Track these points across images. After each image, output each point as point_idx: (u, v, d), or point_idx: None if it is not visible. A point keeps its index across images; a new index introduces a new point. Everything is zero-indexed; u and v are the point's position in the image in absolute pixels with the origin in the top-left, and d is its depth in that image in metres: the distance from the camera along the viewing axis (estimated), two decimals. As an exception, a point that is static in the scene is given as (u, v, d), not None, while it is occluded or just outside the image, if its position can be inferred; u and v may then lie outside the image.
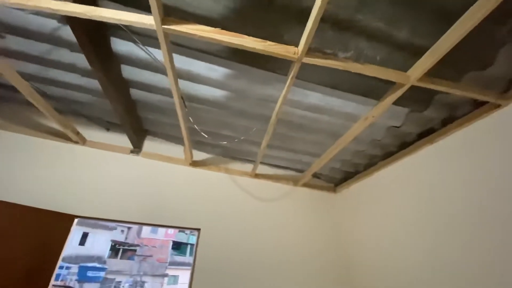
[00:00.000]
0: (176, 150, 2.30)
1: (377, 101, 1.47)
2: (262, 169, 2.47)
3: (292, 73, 1.18)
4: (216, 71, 1.48)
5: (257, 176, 2.40)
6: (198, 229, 2.01)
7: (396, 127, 1.73)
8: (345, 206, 2.44)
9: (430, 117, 1.58)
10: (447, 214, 1.46)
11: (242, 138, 1.96)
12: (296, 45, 1.10)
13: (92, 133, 2.16)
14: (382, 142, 1.90)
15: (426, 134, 1.71)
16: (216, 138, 2.10)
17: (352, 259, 2.23)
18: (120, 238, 16.63)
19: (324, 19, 1.11)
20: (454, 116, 1.52)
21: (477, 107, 1.40)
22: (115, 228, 16.82)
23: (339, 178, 2.53)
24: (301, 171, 2.55)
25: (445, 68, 1.23)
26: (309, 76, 1.43)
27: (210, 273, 1.90)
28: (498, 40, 1.12)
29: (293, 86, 1.45)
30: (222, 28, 1.08)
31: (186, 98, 1.68)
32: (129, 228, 17.29)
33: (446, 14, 1.04)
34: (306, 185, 2.51)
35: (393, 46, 1.19)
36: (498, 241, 1.19)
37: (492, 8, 0.88)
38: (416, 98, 1.47)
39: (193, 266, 1.91)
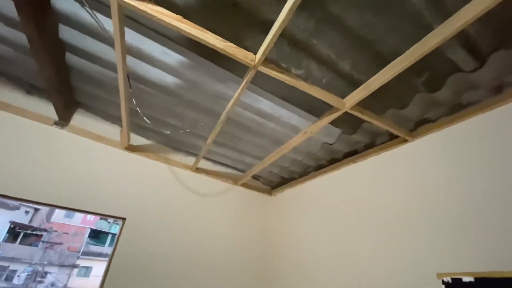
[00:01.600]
0: (110, 130, 2.10)
1: (317, 119, 1.64)
2: (204, 164, 2.46)
3: (247, 78, 1.22)
4: (171, 56, 1.42)
5: (197, 170, 2.37)
6: (123, 218, 1.88)
7: (329, 144, 1.95)
8: (278, 209, 2.61)
9: (357, 140, 1.83)
10: (360, 225, 1.72)
11: (188, 130, 1.92)
12: (255, 52, 1.15)
13: (8, 95, 1.81)
14: (316, 155, 2.11)
15: (352, 154, 1.97)
16: (160, 125, 2.00)
17: (274, 260, 2.40)
18: (23, 220, 14.14)
19: (283, 35, 1.19)
20: (374, 142, 1.81)
21: (391, 139, 1.69)
22: (17, 208, 14.21)
23: (276, 182, 2.70)
24: (242, 171, 2.63)
25: (373, 102, 1.46)
26: (263, 83, 1.50)
27: (129, 267, 1.80)
28: (414, 88, 1.39)
29: (246, 90, 1.50)
30: (184, 17, 1.05)
31: (132, 77, 1.56)
32: (36, 209, 14.80)
33: (381, 58, 1.23)
34: (245, 185, 2.60)
35: (337, 74, 1.35)
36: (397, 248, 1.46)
37: (414, 61, 1.09)
38: (348, 122, 1.69)
39: (111, 257, 1.77)
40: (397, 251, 1.43)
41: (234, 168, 2.61)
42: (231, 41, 1.13)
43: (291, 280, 2.12)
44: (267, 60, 1.18)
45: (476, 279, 0.81)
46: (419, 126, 1.55)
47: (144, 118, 1.81)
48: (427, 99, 1.42)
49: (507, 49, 1.12)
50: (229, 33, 1.20)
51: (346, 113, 1.41)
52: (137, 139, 2.21)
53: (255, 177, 2.74)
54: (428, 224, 1.34)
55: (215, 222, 2.31)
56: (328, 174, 2.13)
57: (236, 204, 2.50)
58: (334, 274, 1.77)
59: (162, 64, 1.47)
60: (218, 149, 2.24)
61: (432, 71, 1.29)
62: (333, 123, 1.72)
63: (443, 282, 0.88)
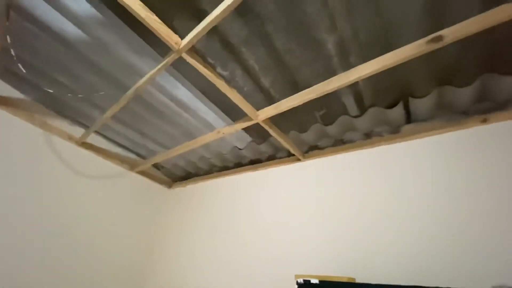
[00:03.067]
0: None
1: (232, 122, 1.68)
2: (95, 140, 2.10)
3: (168, 60, 1.13)
4: (80, 5, 1.17)
5: (84, 145, 2.01)
6: None
7: (238, 148, 2.03)
8: (176, 204, 2.50)
9: (262, 150, 1.98)
10: (248, 231, 1.84)
11: (81, 95, 1.61)
12: (182, 37, 1.08)
13: None
14: (225, 156, 2.16)
15: (255, 162, 2.12)
16: (43, 79, 1.60)
17: (155, 263, 2.28)
18: None
19: (216, 32, 1.17)
20: (274, 156, 2.00)
21: (288, 156, 1.92)
22: None
23: (178, 175, 2.59)
24: (143, 157, 2.39)
25: (282, 121, 1.62)
26: (185, 71, 1.43)
27: None
28: (313, 118, 1.62)
29: (165, 72, 1.40)
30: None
31: (15, 7, 1.20)
32: None
33: (295, 84, 1.39)
34: (142, 172, 2.37)
35: (258, 86, 1.43)
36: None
37: (317, 96, 1.27)
38: (258, 132, 1.82)
39: None
40: (265, 253, 1.62)
41: (132, 151, 2.35)
42: (158, 15, 1.02)
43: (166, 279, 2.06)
44: (193, 49, 1.13)
45: (320, 281, 0.99)
46: (311, 150, 1.82)
47: (19, 64, 1.40)
48: (321, 130, 1.68)
49: (379, 107, 1.46)
50: (160, 6, 1.09)
51: (257, 124, 1.51)
52: (8, 90, 1.68)
53: (156, 166, 2.55)
54: (296, 231, 1.58)
55: (99, 209, 2.00)
56: (230, 177, 2.20)
57: (128, 192, 2.25)
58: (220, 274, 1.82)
59: (65, 9, 1.19)
60: (117, 127, 1.97)
61: (329, 108, 1.54)
62: (246, 130, 1.82)
63: (297, 283, 1.04)
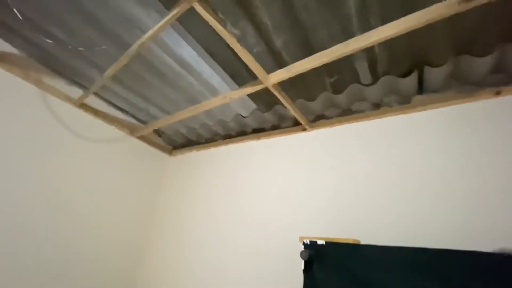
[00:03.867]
0: None
1: (238, 87, 1.62)
2: (94, 102, 2.03)
3: (177, 11, 1.05)
4: None
5: (83, 106, 1.93)
6: None
7: (242, 116, 1.99)
8: (177, 172, 2.50)
9: (266, 119, 1.95)
10: (250, 198, 1.87)
11: (81, 48, 1.50)
12: (193, -15, 0.99)
13: None
14: (228, 124, 2.12)
15: (259, 131, 2.10)
16: (37, 32, 1.48)
17: (156, 230, 2.33)
18: None
19: (228, -19, 1.07)
20: (279, 125, 1.98)
21: (294, 125, 1.89)
22: None
23: (179, 142, 2.56)
24: (143, 122, 2.34)
25: (290, 88, 1.57)
26: (192, 27, 1.33)
27: None
28: (323, 86, 1.57)
29: (170, 27, 1.30)
30: None
31: None
32: None
33: (309, 47, 1.32)
34: (142, 138, 2.33)
35: (269, 48, 1.35)
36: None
37: (332, 59, 1.21)
38: (264, 100, 1.77)
39: None
40: (277, 219, 1.66)
41: (133, 116, 2.28)
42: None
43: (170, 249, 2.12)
44: (204, 0, 1.04)
45: (326, 242, 1.02)
46: (317, 119, 1.79)
47: (14, 9, 1.28)
48: (330, 98, 1.64)
49: (392, 76, 1.42)
50: None
51: (266, 89, 1.45)
52: (1, 45, 1.56)
53: (157, 132, 2.50)
54: (298, 198, 1.61)
55: (96, 174, 1.98)
56: (233, 145, 2.19)
57: (128, 157, 2.22)
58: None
59: None
60: (117, 88, 1.89)
61: (340, 75, 1.49)
62: (251, 96, 1.76)
63: (303, 244, 1.07)
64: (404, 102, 1.54)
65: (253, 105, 1.88)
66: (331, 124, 1.73)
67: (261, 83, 1.32)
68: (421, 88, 1.50)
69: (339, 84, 1.55)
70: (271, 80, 1.30)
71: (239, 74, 1.57)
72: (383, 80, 1.46)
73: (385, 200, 1.35)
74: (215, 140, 2.34)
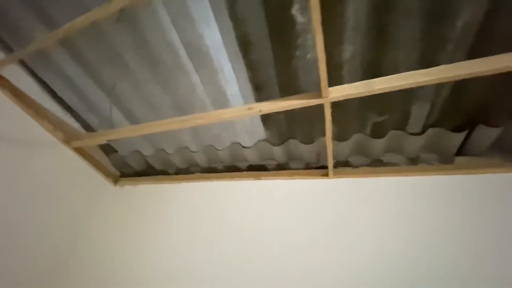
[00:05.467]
0: None
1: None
2: (20, 78, 1.26)
3: None
4: None
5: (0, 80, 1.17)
6: None
7: (241, 146, 1.50)
8: (120, 214, 1.71)
9: (273, 155, 1.51)
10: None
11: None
12: None
13: None
14: (217, 154, 1.59)
15: (256, 169, 1.61)
16: None
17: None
18: None
19: None
20: (287, 165, 1.55)
21: (307, 168, 1.50)
22: None
23: (135, 169, 1.82)
24: (89, 128, 1.60)
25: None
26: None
27: None
28: (351, 120, 1.27)
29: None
30: None
31: None
32: None
33: (378, 64, 1.03)
34: (81, 152, 1.56)
35: (331, 55, 1.02)
36: None
37: (417, 85, 0.93)
38: (278, 128, 1.35)
39: None
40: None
41: (76, 115, 1.53)
42: None
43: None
44: None
45: None
46: (340, 166, 1.44)
47: None
48: (364, 142, 1.34)
49: (443, 128, 1.21)
50: None
51: (316, 107, 1.02)
52: None
53: (105, 148, 1.74)
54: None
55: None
56: (219, 182, 1.62)
57: (53, 174, 1.40)
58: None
59: None
60: (65, 61, 1.21)
61: (390, 115, 1.22)
62: (265, 121, 1.35)
63: None
64: (445, 161, 1.33)
65: (261, 134, 1.44)
66: (356, 174, 1.39)
67: (318, 96, 0.93)
68: (461, 148, 1.34)
69: (381, 127, 1.27)
70: (331, 95, 0.92)
71: (267, 87, 1.16)
72: (431, 132, 1.25)
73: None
74: (191, 173, 1.73)
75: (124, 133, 1.27)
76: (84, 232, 1.61)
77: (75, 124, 1.54)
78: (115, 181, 1.82)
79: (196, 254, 1.41)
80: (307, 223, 1.32)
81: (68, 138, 1.46)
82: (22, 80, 1.24)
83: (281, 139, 1.42)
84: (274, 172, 1.53)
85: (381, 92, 0.90)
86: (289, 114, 1.25)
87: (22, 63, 1.21)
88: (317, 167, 1.47)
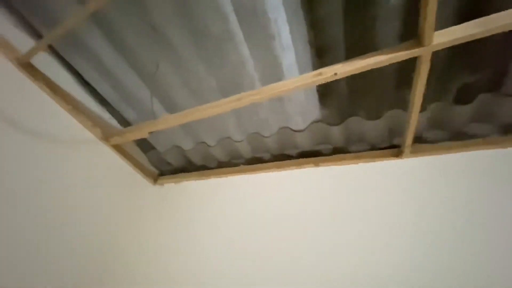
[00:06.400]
0: None
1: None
2: (50, 66, 1.16)
3: None
4: None
5: (29, 68, 1.07)
6: None
7: (292, 130, 1.33)
8: (161, 216, 1.60)
9: (329, 138, 1.32)
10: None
11: None
12: None
13: None
14: (264, 142, 1.43)
15: (309, 155, 1.43)
16: None
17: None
18: None
19: None
20: (346, 148, 1.35)
21: (372, 149, 1.29)
22: None
23: (174, 165, 1.71)
24: (126, 123, 1.49)
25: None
26: None
27: None
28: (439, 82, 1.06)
29: None
30: None
31: None
32: None
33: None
34: (119, 149, 1.46)
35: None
36: None
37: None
38: (337, 105, 1.16)
39: None
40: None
41: (113, 110, 1.43)
42: None
43: None
44: None
45: None
46: (416, 142, 1.22)
47: None
48: (446, 110, 1.12)
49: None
50: None
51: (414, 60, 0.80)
52: None
53: (142, 146, 1.63)
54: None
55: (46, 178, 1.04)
56: (269, 173, 1.45)
57: (93, 171, 1.31)
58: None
59: None
60: (101, 45, 1.10)
61: (484, 72, 1.00)
62: (322, 97, 1.17)
63: None
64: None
65: (316, 114, 1.26)
66: (437, 151, 1.17)
67: (416, 45, 0.73)
68: None
69: (469, 90, 1.05)
70: (436, 42, 0.72)
71: (332, 49, 0.97)
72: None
73: None
74: (235, 165, 1.58)
75: (168, 121, 1.14)
76: (125, 235, 1.50)
77: (110, 119, 1.44)
78: (154, 179, 1.70)
79: (247, 251, 1.26)
80: (379, 214, 1.12)
81: (106, 135, 1.36)
82: (52, 70, 1.14)
83: (340, 117, 1.23)
84: (332, 157, 1.34)
85: (500, 30, 0.69)
86: (354, 83, 1.06)
87: (52, 49, 1.11)
88: (385, 148, 1.26)
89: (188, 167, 1.69)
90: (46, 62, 1.11)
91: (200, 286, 1.28)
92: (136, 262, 1.48)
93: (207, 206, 1.51)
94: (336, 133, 1.28)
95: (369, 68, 0.80)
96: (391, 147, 1.24)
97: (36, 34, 1.07)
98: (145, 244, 1.51)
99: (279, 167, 1.44)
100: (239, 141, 1.45)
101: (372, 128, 1.21)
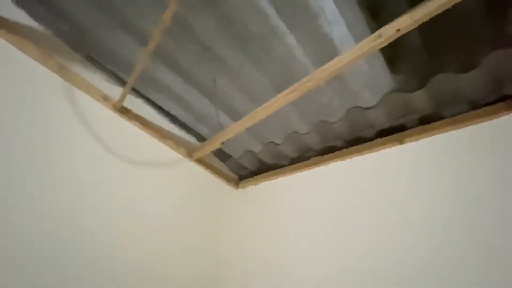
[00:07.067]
0: None
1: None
2: (135, 104, 1.41)
3: None
4: None
5: (124, 111, 1.33)
6: None
7: (363, 108, 1.19)
8: (244, 207, 1.71)
9: (414, 107, 1.11)
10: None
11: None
12: None
13: None
14: (333, 127, 1.33)
15: (386, 134, 1.25)
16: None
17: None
18: None
19: None
20: (439, 113, 1.11)
21: (472, 108, 1.02)
22: None
23: (249, 169, 1.80)
24: (201, 138, 1.67)
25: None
26: None
27: None
28: None
29: None
30: None
31: None
32: None
33: None
34: (201, 162, 1.64)
35: None
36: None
37: None
38: (417, 67, 0.97)
39: None
40: None
41: (191, 130, 1.63)
42: None
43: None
44: None
45: None
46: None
47: None
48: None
49: None
50: None
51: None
52: (22, 18, 1.10)
53: (220, 155, 1.79)
54: None
55: (146, 209, 1.30)
56: (349, 159, 1.35)
57: (184, 187, 1.52)
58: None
59: None
60: (166, 77, 1.26)
61: None
62: (392, 60, 1.00)
63: None
64: None
65: (387, 83, 1.09)
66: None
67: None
68: None
69: None
70: None
71: (389, 5, 0.83)
72: None
73: None
74: (307, 159, 1.54)
75: (234, 129, 1.21)
76: (220, 242, 1.65)
77: (188, 137, 1.64)
78: (237, 184, 1.84)
79: (333, 243, 1.17)
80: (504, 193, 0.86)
81: (189, 152, 1.56)
82: (138, 107, 1.39)
83: (421, 80, 1.02)
84: (420, 128, 1.13)
85: None
86: (429, 33, 0.87)
87: (134, 90, 1.35)
88: (493, 102, 0.97)
89: (263, 168, 1.75)
90: (132, 102, 1.36)
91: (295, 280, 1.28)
92: (235, 265, 1.61)
93: (288, 203, 1.51)
94: (419, 99, 1.08)
95: (444, 9, 0.64)
96: (501, 99, 0.95)
97: (120, 80, 1.34)
98: (241, 245, 1.63)
99: (355, 153, 1.31)
100: (305, 133, 1.40)
101: (469, 81, 0.96)
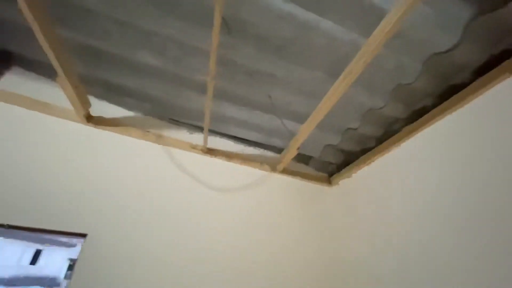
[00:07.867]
0: (53, 93, 1.31)
1: None
2: (216, 142, 1.61)
3: None
4: None
5: (210, 152, 1.54)
6: (83, 235, 1.10)
7: (443, 52, 0.99)
8: (343, 204, 1.63)
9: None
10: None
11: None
12: None
13: None
14: (414, 87, 1.15)
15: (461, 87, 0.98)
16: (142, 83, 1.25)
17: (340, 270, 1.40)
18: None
19: None
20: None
21: None
22: (74, 245, 14.74)
23: (335, 163, 1.73)
24: (278, 150, 1.73)
25: None
26: None
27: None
28: None
29: None
30: None
31: None
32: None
33: None
34: (287, 172, 1.68)
35: None
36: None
37: None
38: None
39: None
40: None
41: (262, 145, 1.71)
42: None
43: None
44: None
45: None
46: None
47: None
48: None
49: None
50: None
51: None
52: (102, 108, 1.44)
53: (301, 159, 1.79)
54: None
55: (248, 230, 1.43)
56: (446, 117, 1.13)
57: (278, 200, 1.59)
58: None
59: None
60: (228, 110, 1.40)
61: None
62: None
63: None
64: None
65: (463, 13, 0.87)
66: None
67: None
68: None
69: None
70: None
71: None
72: None
73: None
74: (396, 132, 1.36)
75: (305, 130, 1.21)
76: (329, 243, 1.61)
77: (263, 152, 1.73)
78: (329, 182, 1.78)
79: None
80: None
81: (272, 167, 1.64)
82: (221, 143, 1.58)
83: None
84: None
85: None
86: None
87: (210, 131, 1.55)
88: None
89: (350, 158, 1.65)
90: (213, 141, 1.57)
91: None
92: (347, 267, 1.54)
93: (395, 184, 1.35)
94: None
95: None
96: None
97: (198, 128, 1.57)
98: (350, 240, 1.55)
99: (453, 106, 1.08)
100: (382, 107, 1.26)
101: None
